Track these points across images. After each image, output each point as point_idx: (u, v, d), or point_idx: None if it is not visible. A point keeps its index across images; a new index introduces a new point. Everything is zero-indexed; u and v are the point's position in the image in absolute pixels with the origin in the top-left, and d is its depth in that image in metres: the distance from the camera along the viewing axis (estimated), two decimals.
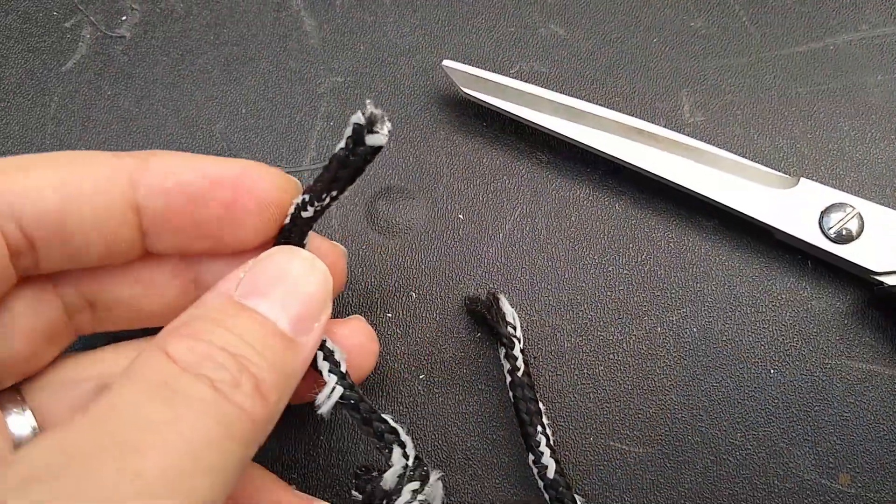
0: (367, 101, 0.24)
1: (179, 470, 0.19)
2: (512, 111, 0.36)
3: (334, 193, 0.26)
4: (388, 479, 0.28)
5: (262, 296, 0.24)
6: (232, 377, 0.21)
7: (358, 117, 0.24)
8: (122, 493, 0.18)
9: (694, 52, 0.38)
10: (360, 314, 0.34)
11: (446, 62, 0.36)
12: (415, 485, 0.28)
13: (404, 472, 0.28)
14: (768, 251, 0.35)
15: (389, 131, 0.25)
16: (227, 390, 0.21)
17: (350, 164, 0.25)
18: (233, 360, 0.22)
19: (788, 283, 0.35)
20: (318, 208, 0.27)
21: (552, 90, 0.35)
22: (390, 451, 0.28)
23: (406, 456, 0.28)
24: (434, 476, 0.29)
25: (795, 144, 0.37)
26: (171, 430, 0.19)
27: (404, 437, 0.28)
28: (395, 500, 0.27)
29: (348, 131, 0.25)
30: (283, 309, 0.24)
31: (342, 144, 0.25)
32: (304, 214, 0.27)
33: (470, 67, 0.36)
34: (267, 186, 0.26)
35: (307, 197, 0.26)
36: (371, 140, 0.24)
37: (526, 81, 0.35)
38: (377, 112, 0.24)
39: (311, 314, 0.25)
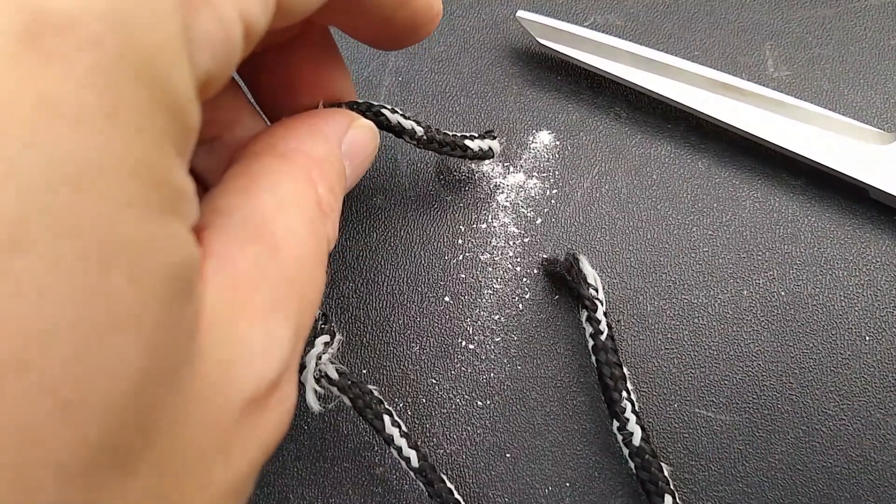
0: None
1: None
2: (590, 63, 0.34)
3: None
4: None
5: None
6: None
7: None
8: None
9: (777, 2, 0.36)
10: (434, 275, 0.33)
11: (520, 13, 0.34)
12: (325, 338, 0.29)
13: (316, 324, 0.29)
14: (862, 211, 0.33)
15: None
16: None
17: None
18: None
19: (884, 244, 0.33)
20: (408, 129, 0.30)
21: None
22: None
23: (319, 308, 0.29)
24: (338, 337, 0.30)
25: (890, 99, 0.35)
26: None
27: None
28: (308, 350, 0.28)
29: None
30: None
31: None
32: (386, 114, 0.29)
33: (546, 18, 0.34)
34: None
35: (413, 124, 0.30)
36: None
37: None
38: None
39: None
